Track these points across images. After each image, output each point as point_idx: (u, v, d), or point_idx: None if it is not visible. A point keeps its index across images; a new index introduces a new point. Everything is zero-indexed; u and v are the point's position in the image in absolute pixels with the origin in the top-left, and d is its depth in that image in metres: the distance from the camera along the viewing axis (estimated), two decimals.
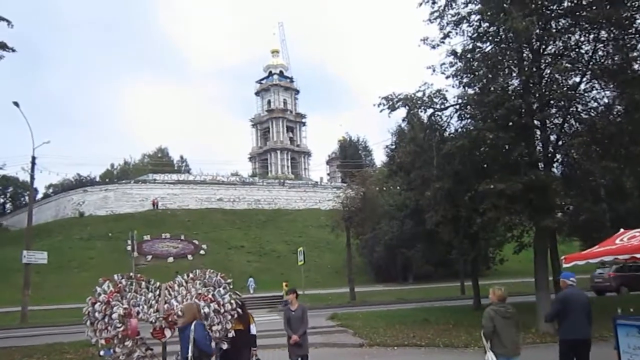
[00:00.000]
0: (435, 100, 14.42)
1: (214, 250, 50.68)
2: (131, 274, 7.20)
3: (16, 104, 25.13)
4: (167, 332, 6.78)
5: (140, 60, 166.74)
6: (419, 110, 14.55)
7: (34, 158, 27.46)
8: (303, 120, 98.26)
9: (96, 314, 6.51)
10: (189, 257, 49.06)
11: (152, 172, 73.49)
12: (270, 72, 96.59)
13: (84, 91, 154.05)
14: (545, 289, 14.23)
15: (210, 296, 6.86)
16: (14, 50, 18.07)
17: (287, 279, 38.74)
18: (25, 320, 25.97)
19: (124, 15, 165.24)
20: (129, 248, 45.97)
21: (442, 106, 14.62)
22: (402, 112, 15.59)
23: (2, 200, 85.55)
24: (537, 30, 13.26)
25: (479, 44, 14.81)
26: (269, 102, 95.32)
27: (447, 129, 15.46)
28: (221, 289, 7.06)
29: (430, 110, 14.77)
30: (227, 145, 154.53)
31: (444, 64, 15.02)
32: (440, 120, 15.26)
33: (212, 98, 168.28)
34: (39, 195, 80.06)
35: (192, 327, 6.23)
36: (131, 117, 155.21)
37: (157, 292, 6.91)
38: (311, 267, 40.75)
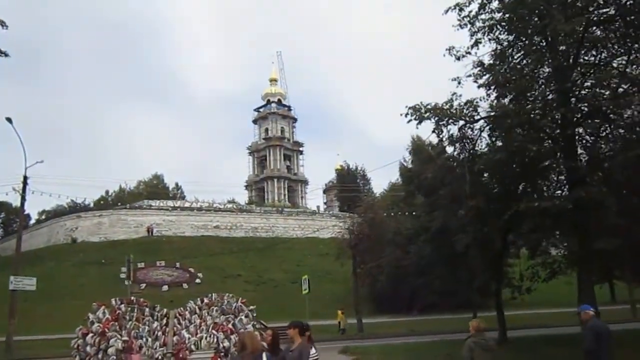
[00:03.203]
0: (465, 111, 13.33)
1: (209, 279, 48.93)
2: (132, 298, 5.90)
3: (9, 120, 23.94)
4: None
5: (136, 87, 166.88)
6: (449, 121, 13.42)
7: (25, 178, 26.15)
8: (300, 149, 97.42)
9: (88, 348, 5.22)
10: (184, 285, 47.29)
11: (148, 199, 72.14)
12: (268, 100, 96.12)
13: (79, 117, 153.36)
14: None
15: (230, 326, 5.56)
16: (7, 55, 17.06)
17: (286, 309, 37.09)
18: (10, 352, 24.24)
19: (119, 43, 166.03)
20: (123, 275, 44.39)
21: (474, 118, 13.51)
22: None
23: None
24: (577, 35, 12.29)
25: (510, 52, 13.83)
26: (266, 130, 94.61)
27: (477, 142, 14.33)
28: (243, 317, 5.78)
29: (461, 122, 13.66)
30: (223, 173, 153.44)
31: (470, 75, 14.01)
32: (471, 133, 14.16)
33: (208, 126, 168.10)
34: (32, 222, 78.54)
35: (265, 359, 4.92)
36: (127, 144, 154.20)
37: (164, 321, 5.63)
38: (310, 297, 39.15)
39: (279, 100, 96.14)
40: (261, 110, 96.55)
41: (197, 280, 48.72)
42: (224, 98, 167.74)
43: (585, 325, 8.25)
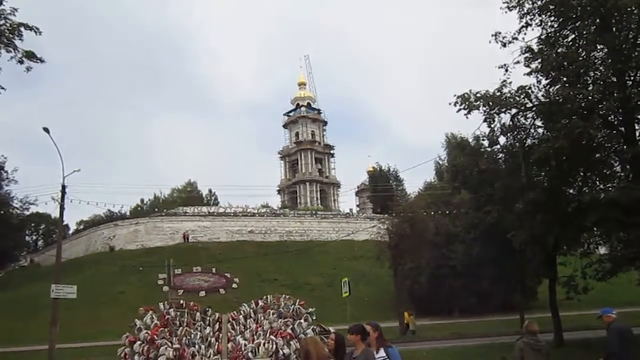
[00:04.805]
0: (517, 99, 12.57)
1: (246, 284, 48.82)
2: (182, 302, 5.44)
3: (46, 129, 24.00)
4: None
5: (167, 96, 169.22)
6: (501, 110, 12.68)
7: (63, 187, 26.21)
8: (331, 152, 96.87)
9: (136, 357, 4.78)
10: (221, 291, 47.33)
11: (182, 206, 72.65)
12: (298, 104, 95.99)
13: (114, 128, 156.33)
14: None
15: (289, 331, 5.04)
16: (42, 61, 16.97)
17: (324, 313, 36.58)
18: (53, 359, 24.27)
19: (149, 54, 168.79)
20: (160, 282, 44.62)
21: (525, 106, 12.73)
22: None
23: (34, 238, 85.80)
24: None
25: (557, 37, 13.01)
26: (297, 134, 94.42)
27: (530, 132, 13.52)
28: (302, 320, 5.27)
29: (513, 110, 12.90)
30: (255, 178, 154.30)
31: (518, 62, 13.27)
32: (524, 121, 13.37)
33: (240, 132, 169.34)
34: (71, 232, 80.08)
35: None
36: (160, 153, 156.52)
37: (217, 326, 5.17)
38: (348, 300, 38.64)
39: (309, 104, 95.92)
40: (291, 114, 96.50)
41: (234, 285, 48.72)
42: (254, 104, 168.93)
43: (609, 327, 8.40)
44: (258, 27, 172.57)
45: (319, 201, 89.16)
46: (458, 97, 13.19)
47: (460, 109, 13.17)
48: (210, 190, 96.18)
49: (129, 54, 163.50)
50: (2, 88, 17.63)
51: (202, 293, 46.46)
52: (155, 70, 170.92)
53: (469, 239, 31.88)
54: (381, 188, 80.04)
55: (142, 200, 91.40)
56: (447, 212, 29.62)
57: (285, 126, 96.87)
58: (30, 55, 16.82)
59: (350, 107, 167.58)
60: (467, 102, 13.01)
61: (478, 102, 12.90)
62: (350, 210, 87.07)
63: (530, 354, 7.08)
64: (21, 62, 16.82)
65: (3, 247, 53.56)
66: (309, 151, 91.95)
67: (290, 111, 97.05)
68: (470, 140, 17.64)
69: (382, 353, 6.04)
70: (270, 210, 73.93)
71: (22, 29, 16.57)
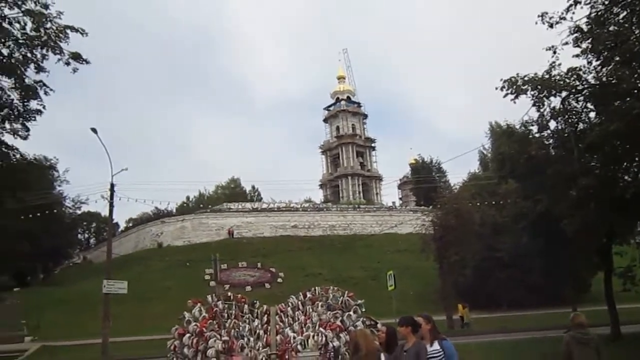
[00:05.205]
0: (568, 81, 12.05)
1: (290, 278, 49.12)
2: (230, 294, 5.44)
3: (94, 130, 24.75)
4: None
5: (207, 95, 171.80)
6: (551, 93, 12.19)
7: (112, 185, 27.04)
8: (372, 145, 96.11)
9: (185, 350, 4.80)
10: (267, 285, 47.80)
11: (227, 202, 73.68)
12: (338, 98, 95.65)
13: (158, 127, 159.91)
14: None
15: (338, 323, 4.93)
16: (88, 62, 17.44)
17: (367, 306, 36.46)
18: (107, 354, 25.06)
19: (191, 52, 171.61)
20: (207, 277, 45.36)
21: (576, 88, 12.19)
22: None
23: (86, 236, 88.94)
24: None
25: (607, 15, 12.39)
26: (337, 128, 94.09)
27: (582, 116, 12.97)
28: (351, 312, 5.17)
29: (564, 93, 12.39)
30: (297, 173, 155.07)
31: (566, 43, 12.72)
32: (575, 105, 12.83)
33: (281, 128, 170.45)
34: (120, 229, 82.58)
35: None
36: (204, 150, 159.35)
37: (265, 319, 5.13)
38: (392, 294, 38.31)
39: (348, 98, 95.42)
40: (331, 108, 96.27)
41: (279, 280, 49.14)
42: (294, 99, 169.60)
43: None
44: (297, 21, 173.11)
45: (362, 195, 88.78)
46: (505, 81, 12.74)
47: (507, 94, 12.75)
48: (253, 187, 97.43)
49: (168, 52, 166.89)
50: (51, 89, 18.26)
51: (248, 288, 47.04)
52: (198, 68, 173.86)
53: (516, 230, 30.99)
54: (424, 180, 78.98)
55: (187, 198, 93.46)
56: (493, 202, 28.92)
57: (325, 120, 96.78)
58: (77, 57, 17.31)
59: (391, 99, 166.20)
60: (514, 86, 12.57)
61: (526, 86, 12.43)
62: (393, 203, 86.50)
63: (577, 348, 6.83)
64: (68, 63, 17.38)
65: (57, 245, 55.70)
66: (350, 145, 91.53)
67: (330, 105, 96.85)
68: (517, 126, 17.05)
69: (436, 346, 5.83)
70: (313, 205, 74.17)
71: (68, 31, 17.12)
